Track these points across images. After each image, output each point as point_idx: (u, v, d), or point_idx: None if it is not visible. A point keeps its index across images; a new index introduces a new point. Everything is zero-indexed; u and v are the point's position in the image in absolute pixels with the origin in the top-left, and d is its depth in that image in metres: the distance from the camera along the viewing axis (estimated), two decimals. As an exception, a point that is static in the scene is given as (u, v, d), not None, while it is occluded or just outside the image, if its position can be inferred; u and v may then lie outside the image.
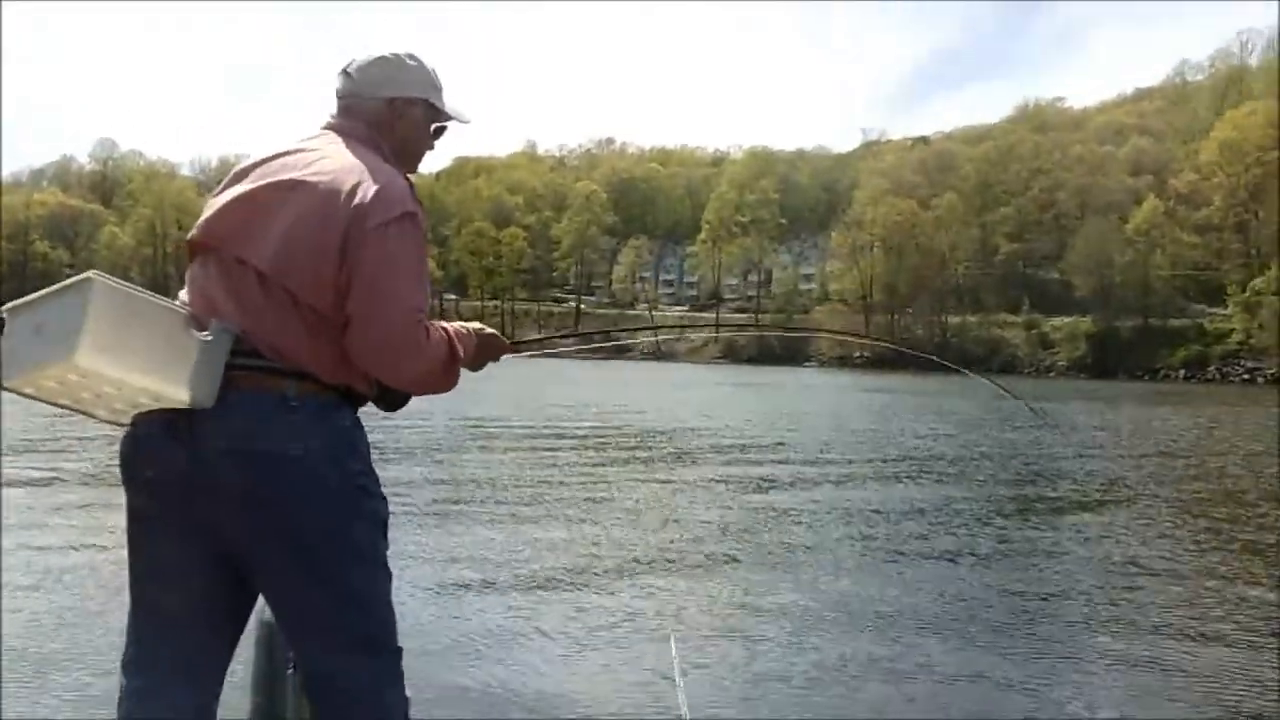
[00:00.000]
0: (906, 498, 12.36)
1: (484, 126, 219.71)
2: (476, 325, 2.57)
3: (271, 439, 2.16)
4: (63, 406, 2.16)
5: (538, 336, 3.24)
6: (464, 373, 2.45)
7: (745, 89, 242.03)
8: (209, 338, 2.14)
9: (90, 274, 2.02)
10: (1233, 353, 77.90)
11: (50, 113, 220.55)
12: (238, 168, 2.43)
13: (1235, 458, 18.29)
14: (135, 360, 2.06)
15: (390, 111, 2.46)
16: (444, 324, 2.39)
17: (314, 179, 2.24)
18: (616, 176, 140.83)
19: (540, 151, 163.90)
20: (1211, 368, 77.25)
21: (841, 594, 7.18)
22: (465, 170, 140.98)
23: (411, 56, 2.50)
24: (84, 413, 2.20)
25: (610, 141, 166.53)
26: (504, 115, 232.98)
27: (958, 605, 7.03)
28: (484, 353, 2.57)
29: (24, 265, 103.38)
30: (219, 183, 2.43)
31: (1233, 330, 78.90)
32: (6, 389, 2.08)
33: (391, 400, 2.48)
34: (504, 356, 2.68)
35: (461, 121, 2.61)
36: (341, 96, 2.48)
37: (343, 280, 2.17)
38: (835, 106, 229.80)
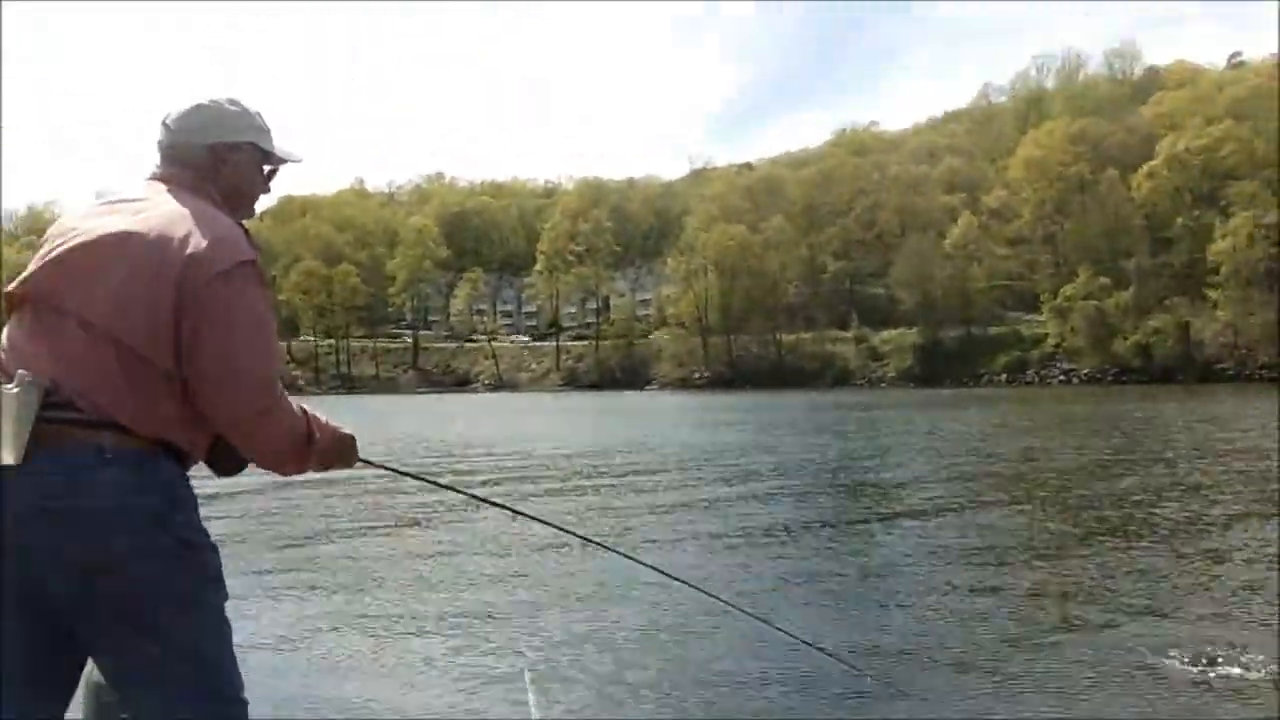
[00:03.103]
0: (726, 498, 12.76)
1: (310, 164, 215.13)
2: (336, 425, 2.47)
3: (86, 495, 2.05)
4: None
5: (387, 467, 3.16)
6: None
7: (573, 120, 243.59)
8: (13, 390, 2.04)
9: None
10: (1049, 356, 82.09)
11: None
12: (61, 222, 2.35)
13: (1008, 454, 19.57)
14: None
15: (213, 158, 2.39)
16: (304, 408, 2.33)
17: (144, 228, 2.18)
18: (448, 210, 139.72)
19: (369, 187, 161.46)
20: (1030, 371, 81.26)
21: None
22: (292, 209, 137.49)
23: (232, 101, 2.45)
24: None
25: (440, 175, 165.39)
26: (330, 152, 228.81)
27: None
28: (336, 452, 2.47)
29: None
30: (30, 233, 2.31)
31: (1047, 335, 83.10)
32: None
33: (225, 465, 2.40)
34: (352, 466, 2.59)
35: (293, 161, 2.56)
36: (164, 148, 2.41)
37: (184, 336, 2.11)
38: (663, 135, 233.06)
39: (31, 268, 2.26)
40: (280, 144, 2.53)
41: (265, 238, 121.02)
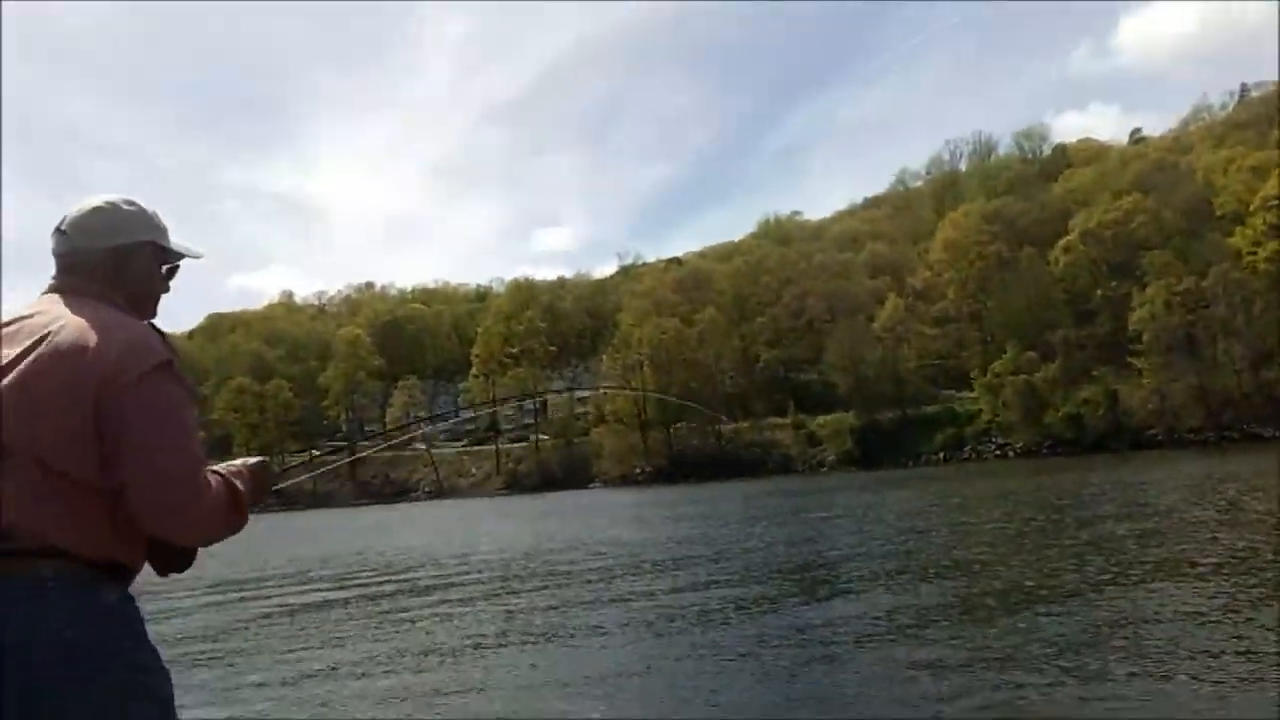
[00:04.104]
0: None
1: (238, 282, 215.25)
2: (242, 461, 2.48)
3: (29, 628, 1.99)
4: None
5: (301, 463, 3.12)
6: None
7: (498, 223, 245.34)
8: None
9: None
10: (983, 432, 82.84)
11: None
12: None
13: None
14: None
15: (115, 260, 2.36)
16: (213, 468, 2.31)
17: (51, 343, 2.14)
18: (380, 319, 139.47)
19: (298, 300, 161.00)
20: (967, 448, 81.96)
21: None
22: (221, 326, 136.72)
23: (128, 201, 2.42)
24: None
25: (370, 285, 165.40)
26: (256, 268, 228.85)
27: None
28: (261, 487, 2.47)
29: None
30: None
31: (980, 411, 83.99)
32: None
33: (175, 563, 2.35)
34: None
35: (192, 256, 2.54)
36: (61, 255, 2.36)
37: (107, 445, 2.07)
38: (590, 233, 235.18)
39: None
40: (177, 240, 2.50)
41: (195, 356, 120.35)
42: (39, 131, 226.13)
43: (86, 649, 2.03)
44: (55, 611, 2.02)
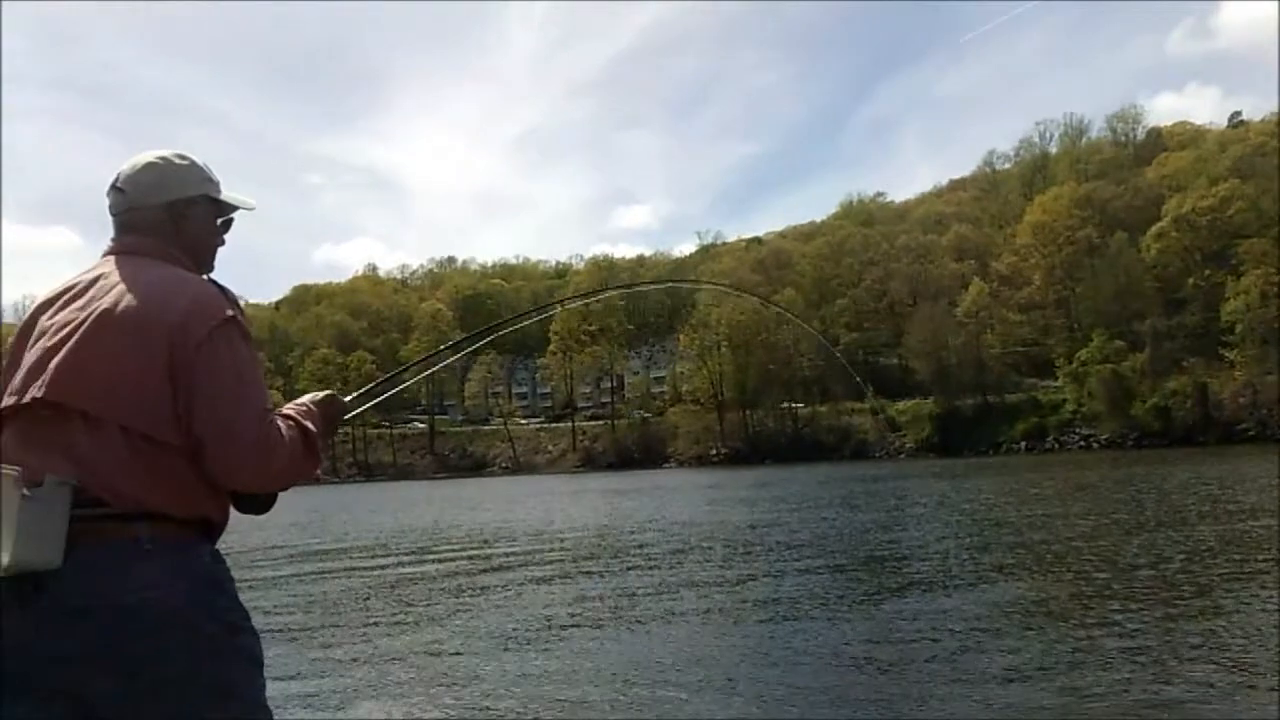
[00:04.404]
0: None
1: (324, 255, 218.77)
2: (309, 397, 2.49)
3: (127, 590, 2.03)
4: None
5: (369, 388, 3.07)
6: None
7: (579, 200, 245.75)
8: (44, 493, 2.02)
9: None
10: (1067, 422, 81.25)
11: None
12: (27, 321, 2.31)
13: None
14: None
15: (172, 216, 2.37)
16: (283, 412, 2.33)
17: (118, 307, 2.16)
18: (461, 294, 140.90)
19: (381, 273, 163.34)
20: (1050, 438, 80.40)
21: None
22: (306, 298, 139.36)
23: (180, 155, 2.43)
24: None
25: (452, 260, 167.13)
26: (341, 240, 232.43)
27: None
28: (331, 421, 2.49)
29: None
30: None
31: (1065, 400, 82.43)
32: None
33: (254, 507, 2.39)
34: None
35: (246, 208, 2.54)
36: (117, 213, 2.38)
37: (181, 405, 2.11)
38: (670, 211, 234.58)
39: (16, 379, 2.21)
40: (229, 192, 2.51)
41: (280, 327, 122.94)
42: (132, 100, 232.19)
43: (183, 608, 2.08)
44: (155, 573, 2.07)
